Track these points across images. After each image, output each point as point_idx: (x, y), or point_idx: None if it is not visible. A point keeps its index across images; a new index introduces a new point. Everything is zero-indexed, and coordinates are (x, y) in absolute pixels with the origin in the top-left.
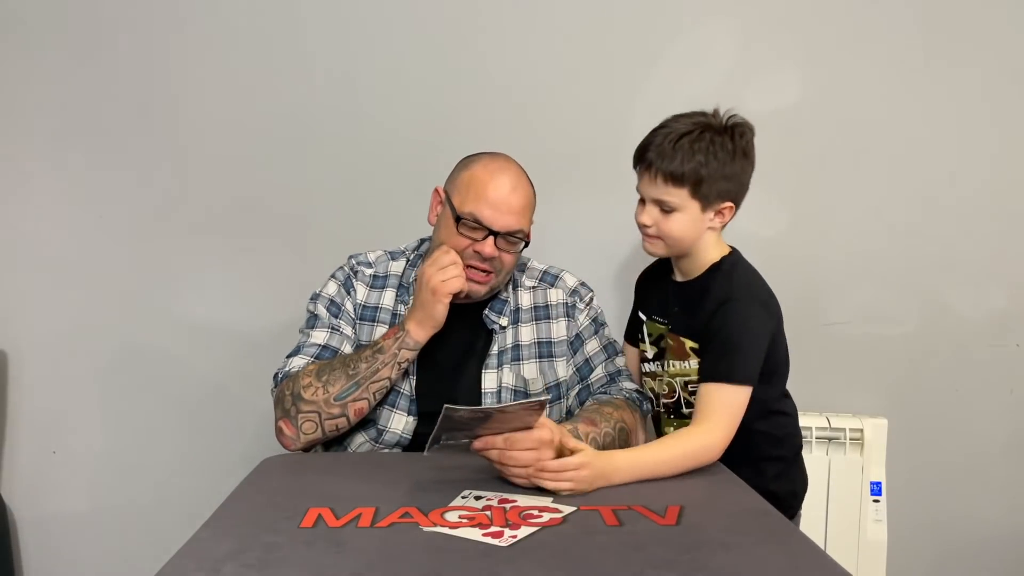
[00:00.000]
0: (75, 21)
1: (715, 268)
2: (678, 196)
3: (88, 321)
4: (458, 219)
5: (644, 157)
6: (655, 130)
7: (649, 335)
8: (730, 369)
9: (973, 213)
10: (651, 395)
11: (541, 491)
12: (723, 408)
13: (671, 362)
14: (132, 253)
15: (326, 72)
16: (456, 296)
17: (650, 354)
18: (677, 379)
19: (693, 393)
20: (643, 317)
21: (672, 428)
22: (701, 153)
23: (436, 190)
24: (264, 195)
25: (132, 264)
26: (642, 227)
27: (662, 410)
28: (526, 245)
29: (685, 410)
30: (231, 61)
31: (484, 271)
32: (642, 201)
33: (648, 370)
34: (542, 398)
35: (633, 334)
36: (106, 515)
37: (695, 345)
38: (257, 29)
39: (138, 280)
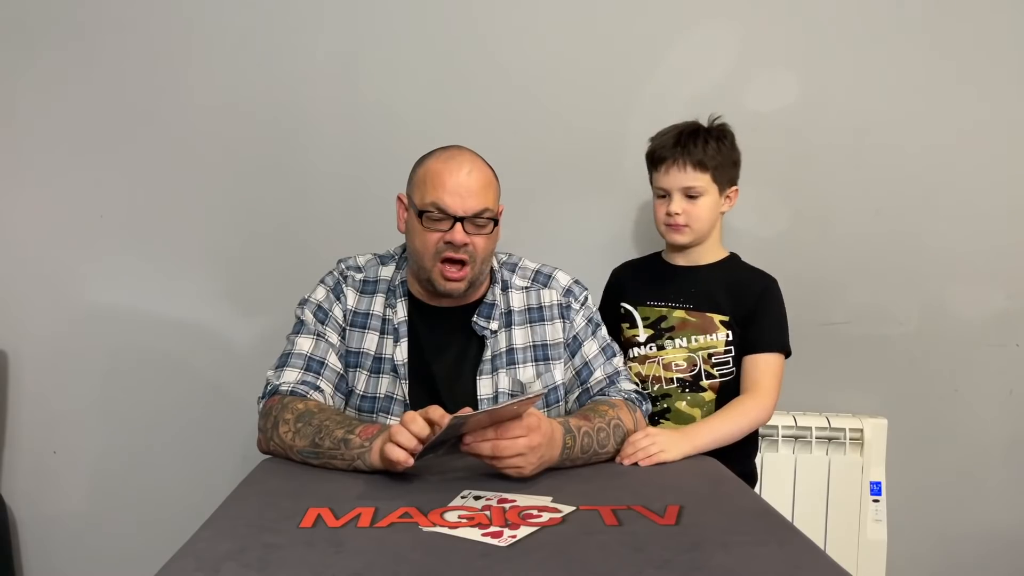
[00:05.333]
0: (75, 21)
1: (733, 257)
2: (703, 181)
3: (88, 321)
4: (421, 213)
5: (666, 154)
6: (662, 135)
7: (645, 319)
8: (779, 340)
9: (973, 213)
10: (637, 380)
11: (540, 490)
12: (773, 376)
13: (693, 337)
14: (132, 253)
15: (326, 73)
16: (439, 293)
17: (643, 337)
18: (699, 352)
19: (716, 365)
20: (629, 307)
21: (685, 403)
22: (713, 144)
23: (399, 197)
24: (264, 195)
25: (132, 264)
26: (671, 217)
27: (657, 388)
28: (496, 225)
29: (704, 382)
30: (231, 62)
31: (459, 263)
32: (663, 196)
33: (637, 355)
34: (538, 392)
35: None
36: (106, 515)
37: (725, 318)
38: (258, 30)
39: (138, 280)
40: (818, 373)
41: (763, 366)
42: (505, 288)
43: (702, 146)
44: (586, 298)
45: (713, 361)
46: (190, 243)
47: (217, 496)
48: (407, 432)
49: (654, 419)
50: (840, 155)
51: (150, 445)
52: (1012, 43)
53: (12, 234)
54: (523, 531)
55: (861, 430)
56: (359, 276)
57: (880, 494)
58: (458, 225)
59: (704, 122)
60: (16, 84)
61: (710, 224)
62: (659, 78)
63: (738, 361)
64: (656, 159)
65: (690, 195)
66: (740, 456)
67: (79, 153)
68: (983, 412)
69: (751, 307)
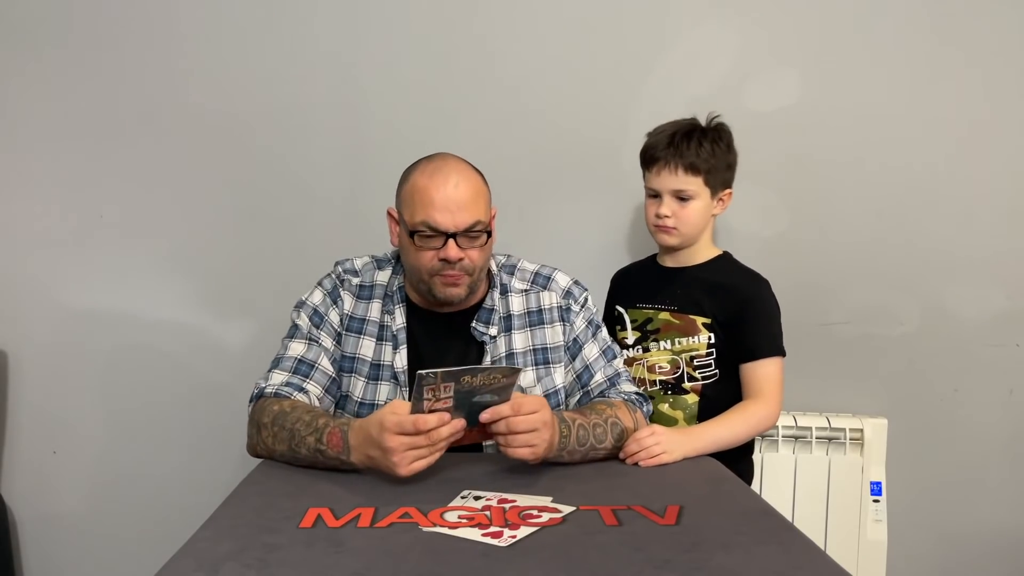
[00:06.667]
0: (75, 21)
1: (723, 257)
2: (695, 184)
3: (88, 321)
4: (412, 233)
5: (658, 155)
6: (656, 133)
7: (633, 321)
8: (776, 344)
9: (974, 213)
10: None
11: (540, 490)
12: (776, 382)
13: (676, 340)
14: (132, 253)
15: (327, 73)
16: (438, 300)
17: (631, 340)
18: (682, 355)
19: (698, 368)
20: (621, 309)
21: (667, 405)
22: (707, 146)
23: (388, 212)
24: (265, 195)
25: (132, 264)
26: (660, 219)
27: (642, 390)
28: (489, 236)
29: (687, 384)
30: (230, 63)
31: (456, 274)
32: (655, 196)
33: (626, 356)
34: (516, 366)
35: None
36: (106, 515)
37: (708, 320)
38: (258, 30)
39: (138, 280)
40: (818, 373)
41: (763, 372)
42: (504, 292)
43: (695, 148)
44: (586, 299)
45: (695, 364)
46: (190, 243)
47: (217, 496)
48: (412, 456)
49: None
50: (841, 155)
51: (150, 445)
52: (1014, 44)
53: (12, 234)
54: (523, 531)
55: (861, 430)
56: (356, 280)
57: (880, 494)
58: (451, 242)
59: (702, 121)
60: (15, 83)
61: (700, 227)
62: (658, 78)
63: (720, 364)
64: (648, 159)
65: (681, 197)
66: (735, 455)
67: (79, 153)
68: (983, 412)
69: (737, 312)
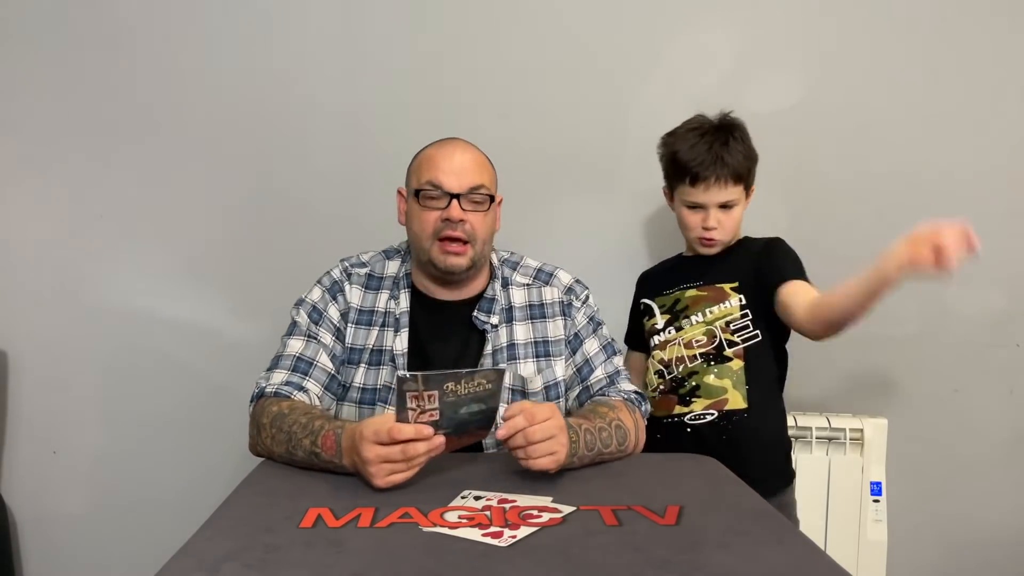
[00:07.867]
0: (75, 21)
1: (745, 238)
2: (738, 192)
3: (88, 321)
4: (417, 193)
5: (706, 172)
6: (689, 146)
7: (661, 307)
8: (802, 274)
9: (973, 213)
10: (661, 366)
11: (540, 491)
12: (812, 289)
13: (707, 310)
14: (131, 253)
15: (327, 72)
16: (439, 271)
17: (661, 324)
18: (717, 323)
19: (736, 331)
20: (647, 301)
21: (712, 376)
22: (738, 147)
23: (398, 191)
24: (265, 195)
25: (132, 264)
26: (706, 231)
27: (682, 368)
28: (492, 202)
29: (728, 351)
30: (232, 61)
31: (460, 241)
32: (696, 209)
33: (659, 341)
34: (500, 367)
35: (634, 336)
36: (106, 515)
37: (735, 284)
38: (259, 29)
39: (138, 280)
40: (818, 373)
41: (804, 287)
42: (506, 285)
43: (733, 157)
44: (587, 296)
45: (732, 328)
46: (189, 243)
47: (217, 496)
48: (388, 468)
49: (685, 399)
50: (841, 156)
51: (150, 445)
52: (1013, 44)
53: (12, 234)
54: (523, 531)
55: (861, 430)
56: (364, 271)
57: (880, 494)
58: (455, 202)
59: (712, 117)
60: (16, 83)
61: (738, 227)
62: (659, 78)
63: (757, 324)
64: (692, 176)
65: (725, 207)
66: (777, 459)
67: (78, 152)
68: (983, 412)
69: (758, 259)
